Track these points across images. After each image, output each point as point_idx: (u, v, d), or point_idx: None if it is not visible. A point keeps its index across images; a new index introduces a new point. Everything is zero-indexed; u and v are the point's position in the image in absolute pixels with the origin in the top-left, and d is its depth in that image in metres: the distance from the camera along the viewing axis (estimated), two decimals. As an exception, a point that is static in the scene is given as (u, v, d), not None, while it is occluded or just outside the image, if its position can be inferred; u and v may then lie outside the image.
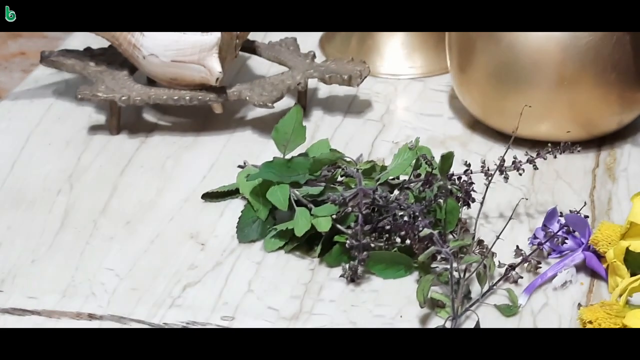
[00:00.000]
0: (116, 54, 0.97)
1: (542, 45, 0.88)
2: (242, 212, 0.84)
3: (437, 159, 0.82)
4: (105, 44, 1.00)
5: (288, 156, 0.85)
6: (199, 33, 0.92)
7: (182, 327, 0.76)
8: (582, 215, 0.81)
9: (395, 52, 1.04)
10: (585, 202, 0.84)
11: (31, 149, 0.94)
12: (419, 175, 0.83)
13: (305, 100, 0.98)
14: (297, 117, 0.86)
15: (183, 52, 0.92)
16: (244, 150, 0.93)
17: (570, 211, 0.81)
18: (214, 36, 0.92)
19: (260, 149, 0.93)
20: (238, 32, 0.94)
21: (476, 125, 0.96)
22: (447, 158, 0.81)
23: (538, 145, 0.88)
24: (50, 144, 0.95)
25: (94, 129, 0.97)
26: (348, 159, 0.84)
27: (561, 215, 0.82)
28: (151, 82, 0.98)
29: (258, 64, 1.04)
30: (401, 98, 1.01)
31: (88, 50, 0.99)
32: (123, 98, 0.93)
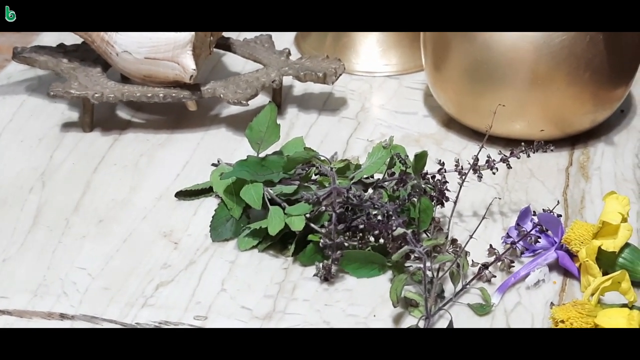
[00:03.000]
0: (89, 51, 0.97)
1: (516, 44, 0.88)
2: (215, 210, 0.84)
3: (412, 158, 0.81)
4: (78, 40, 0.99)
5: (262, 154, 0.85)
6: (173, 30, 0.91)
7: (154, 327, 0.76)
8: (555, 214, 0.81)
9: (371, 49, 1.04)
10: (558, 201, 0.84)
11: (3, 146, 0.94)
12: (393, 174, 0.82)
13: (280, 98, 0.98)
14: (272, 115, 0.86)
15: (157, 49, 0.92)
16: (218, 148, 0.93)
17: (544, 210, 0.81)
18: (188, 33, 0.91)
19: (234, 147, 0.93)
20: (212, 29, 0.94)
21: (451, 124, 0.96)
22: (421, 157, 0.81)
23: (512, 144, 0.88)
24: (23, 141, 0.94)
25: (67, 126, 0.96)
26: (322, 158, 0.84)
27: (534, 214, 0.82)
28: (125, 79, 0.98)
29: (233, 61, 1.04)
30: (376, 96, 1.01)
31: (61, 46, 0.99)
32: (96, 95, 0.93)
